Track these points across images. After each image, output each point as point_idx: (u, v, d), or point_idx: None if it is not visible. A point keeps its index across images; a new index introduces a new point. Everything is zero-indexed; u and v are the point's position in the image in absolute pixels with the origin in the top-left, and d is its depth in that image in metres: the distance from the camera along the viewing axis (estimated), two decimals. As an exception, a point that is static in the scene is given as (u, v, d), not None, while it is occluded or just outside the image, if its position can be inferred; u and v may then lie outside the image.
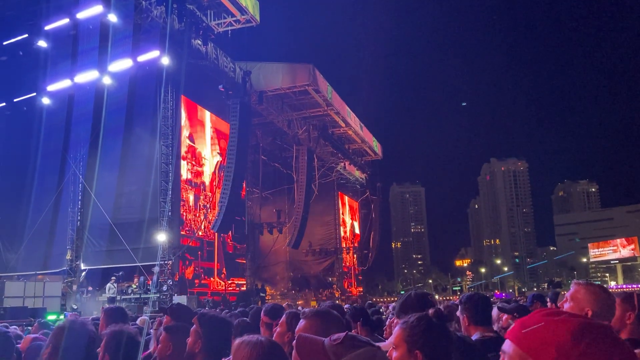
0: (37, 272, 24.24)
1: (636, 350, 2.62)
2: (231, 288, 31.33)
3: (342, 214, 49.59)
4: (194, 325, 3.30)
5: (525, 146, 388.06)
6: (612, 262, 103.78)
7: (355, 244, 52.16)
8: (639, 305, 3.06)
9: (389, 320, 5.50)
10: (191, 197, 28.82)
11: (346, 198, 52.66)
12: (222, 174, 28.93)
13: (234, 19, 28.41)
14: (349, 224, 51.86)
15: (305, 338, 1.78)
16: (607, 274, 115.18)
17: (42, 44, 24.70)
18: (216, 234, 28.26)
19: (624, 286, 71.62)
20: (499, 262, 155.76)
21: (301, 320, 2.58)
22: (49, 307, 19.87)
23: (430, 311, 2.26)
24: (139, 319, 7.77)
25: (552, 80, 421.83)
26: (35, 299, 20.51)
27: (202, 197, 30.01)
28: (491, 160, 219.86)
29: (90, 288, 24.59)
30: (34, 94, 26.09)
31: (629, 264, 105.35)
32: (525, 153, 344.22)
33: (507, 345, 1.10)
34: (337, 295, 42.11)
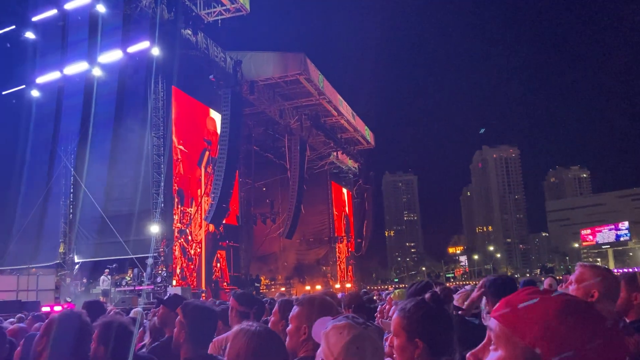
0: (30, 266, 24.16)
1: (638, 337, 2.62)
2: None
3: (335, 203, 49.61)
4: (179, 316, 3.30)
5: (516, 133, 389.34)
6: (603, 246, 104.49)
7: (349, 233, 52.25)
8: None
9: (380, 307, 5.57)
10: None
11: (344, 189, 52.72)
12: (209, 166, 28.87)
13: (224, 7, 28.20)
14: (342, 213, 51.90)
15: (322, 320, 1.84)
16: (599, 259, 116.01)
17: (30, 35, 24.45)
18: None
19: (616, 270, 72.15)
20: (491, 248, 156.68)
21: (294, 307, 2.58)
22: (43, 300, 19.78)
23: (427, 295, 2.24)
24: (132, 311, 7.77)
25: (543, 67, 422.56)
26: (28, 293, 20.44)
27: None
28: (483, 147, 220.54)
29: (84, 280, 24.56)
30: (23, 86, 25.87)
31: (620, 248, 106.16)
32: (517, 140, 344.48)
33: (493, 324, 1.10)
34: (331, 284, 42.24)
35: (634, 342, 1.01)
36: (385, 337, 2.25)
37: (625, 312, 3.06)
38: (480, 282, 4.04)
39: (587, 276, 2.83)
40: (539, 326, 1.01)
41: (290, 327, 2.55)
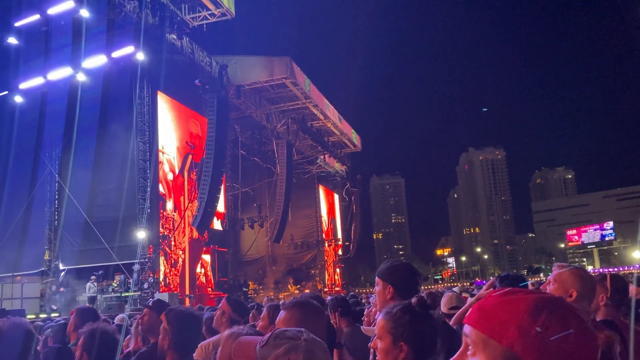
0: (14, 274, 23.86)
1: (607, 332, 2.67)
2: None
3: (323, 206, 49.62)
4: (163, 322, 3.27)
5: (502, 135, 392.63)
6: (589, 246, 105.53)
7: (337, 237, 52.28)
8: (611, 287, 3.12)
9: (366, 309, 5.59)
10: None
11: (331, 192, 52.74)
12: (193, 171, 28.78)
13: (209, 12, 28.16)
14: (330, 216, 51.93)
15: (243, 343, 1.70)
16: (585, 259, 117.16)
17: (12, 41, 24.17)
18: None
19: (601, 270, 72.98)
20: (479, 250, 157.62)
21: (281, 312, 2.57)
22: (28, 308, 19.57)
23: (414, 300, 2.25)
24: (117, 317, 7.69)
25: (527, 70, 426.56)
26: (13, 301, 20.21)
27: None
28: (469, 149, 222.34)
29: (61, 289, 24.25)
30: (6, 92, 25.55)
31: (605, 248, 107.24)
32: (503, 142, 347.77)
33: (468, 330, 1.10)
34: (319, 288, 42.20)
35: (603, 337, 1.03)
36: (370, 344, 2.25)
37: (595, 312, 3.13)
38: (489, 281, 4.04)
39: (565, 276, 2.87)
40: (513, 326, 1.02)
41: (256, 337, 2.53)
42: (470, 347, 1.09)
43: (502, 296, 1.09)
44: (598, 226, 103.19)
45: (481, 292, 4.07)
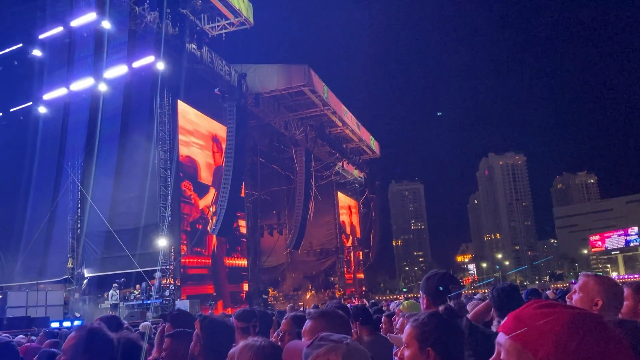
0: (39, 281, 24.21)
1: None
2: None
3: (342, 213, 49.57)
4: (196, 329, 3.33)
5: (523, 140, 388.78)
6: (613, 252, 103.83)
7: (356, 244, 52.17)
8: None
9: (383, 317, 5.54)
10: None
11: (350, 199, 52.69)
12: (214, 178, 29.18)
13: (228, 21, 28.44)
14: (349, 223, 51.84)
15: (291, 348, 1.79)
16: (609, 265, 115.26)
17: (37, 53, 24.65)
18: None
19: (626, 276, 71.67)
20: (500, 256, 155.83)
21: (307, 321, 2.58)
22: (52, 316, 19.80)
23: (441, 308, 2.26)
24: (141, 325, 7.77)
25: (548, 73, 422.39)
26: (37, 308, 20.47)
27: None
28: (489, 155, 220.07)
29: (85, 296, 24.51)
30: (30, 103, 26.05)
31: (630, 254, 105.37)
32: (523, 147, 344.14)
33: (502, 339, 1.10)
34: (338, 295, 42.08)
35: None
36: (394, 352, 2.26)
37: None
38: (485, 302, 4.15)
39: (591, 285, 2.83)
40: (550, 341, 1.01)
41: (303, 341, 2.56)
42: (502, 355, 1.09)
43: (540, 308, 1.08)
44: (622, 232, 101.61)
45: (478, 308, 4.15)
